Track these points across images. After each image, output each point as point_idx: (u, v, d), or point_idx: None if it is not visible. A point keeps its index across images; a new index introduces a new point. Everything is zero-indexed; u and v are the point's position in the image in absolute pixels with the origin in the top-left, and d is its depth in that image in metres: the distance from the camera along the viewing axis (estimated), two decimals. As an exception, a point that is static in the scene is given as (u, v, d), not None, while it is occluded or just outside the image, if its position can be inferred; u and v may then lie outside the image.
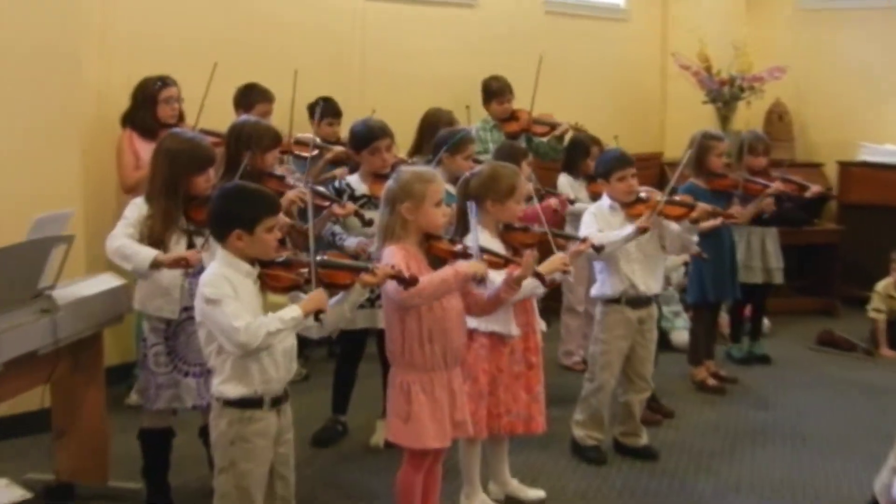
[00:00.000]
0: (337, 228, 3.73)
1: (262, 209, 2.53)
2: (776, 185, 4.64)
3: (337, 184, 3.83)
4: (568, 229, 4.45)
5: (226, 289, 2.44)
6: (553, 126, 5.22)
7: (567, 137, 5.13)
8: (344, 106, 5.02)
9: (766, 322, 5.50)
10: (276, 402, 2.58)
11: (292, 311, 2.48)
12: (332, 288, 2.59)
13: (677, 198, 3.77)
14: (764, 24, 6.89)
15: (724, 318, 5.33)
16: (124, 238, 3.03)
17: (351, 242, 3.66)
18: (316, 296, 2.50)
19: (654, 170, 6.27)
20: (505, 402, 3.18)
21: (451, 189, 3.32)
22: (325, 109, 4.82)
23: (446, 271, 2.70)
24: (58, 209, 3.19)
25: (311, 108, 4.83)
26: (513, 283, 2.87)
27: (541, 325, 3.35)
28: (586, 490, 3.54)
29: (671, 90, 7.02)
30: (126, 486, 3.34)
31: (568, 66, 6.22)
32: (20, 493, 2.72)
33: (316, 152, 4.32)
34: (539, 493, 3.42)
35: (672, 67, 6.76)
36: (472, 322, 3.05)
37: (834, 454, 3.92)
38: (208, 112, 4.11)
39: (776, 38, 6.85)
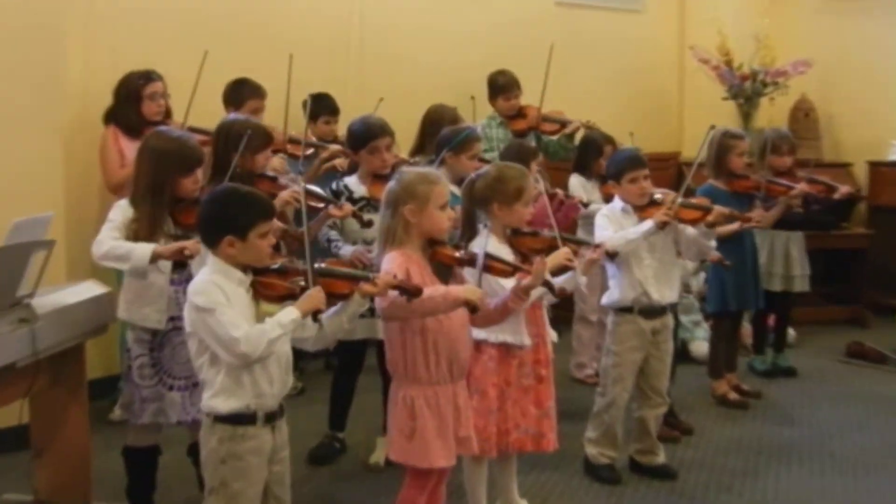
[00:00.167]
0: (333, 234, 3.74)
1: (256, 214, 2.53)
2: (801, 187, 4.64)
3: (334, 185, 3.84)
4: (580, 234, 4.45)
5: (219, 297, 2.44)
6: (563, 124, 5.23)
7: (578, 136, 5.14)
8: (342, 101, 5.03)
9: (791, 332, 5.50)
10: (271, 417, 2.58)
11: (290, 313, 2.48)
12: (330, 298, 2.59)
13: (693, 200, 3.78)
14: (788, 14, 6.88)
15: (746, 329, 5.33)
16: (112, 241, 3.04)
17: (347, 251, 3.67)
18: (314, 294, 2.51)
19: (672, 170, 6.28)
20: (513, 417, 3.18)
21: (456, 191, 3.32)
22: (321, 106, 4.84)
23: (437, 290, 2.70)
24: (37, 211, 3.19)
25: (306, 105, 4.84)
26: (521, 293, 2.86)
27: (551, 335, 3.35)
28: (600, 512, 3.54)
29: (689, 86, 7.02)
30: (109, 508, 3.34)
31: (579, 59, 6.23)
32: (-3, 514, 2.72)
33: (311, 151, 4.33)
34: (549, 516, 3.42)
35: (690, 61, 6.76)
36: (481, 333, 3.05)
37: (864, 474, 3.91)
38: (197, 108, 4.12)
39: (801, 29, 6.85)
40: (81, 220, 4.23)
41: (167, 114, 4.32)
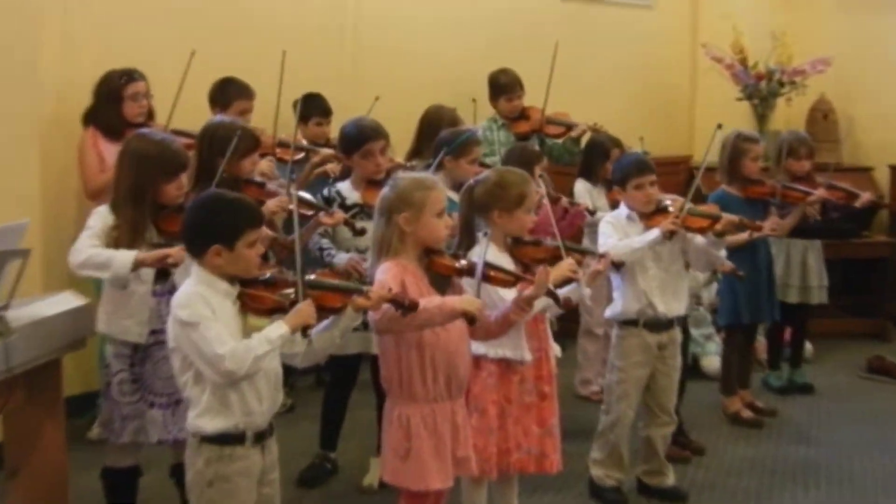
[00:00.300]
0: (325, 242, 3.75)
1: (244, 221, 2.54)
2: (819, 193, 4.65)
3: (326, 191, 3.85)
4: (586, 242, 4.47)
5: (203, 310, 2.45)
6: (569, 126, 5.25)
7: (585, 139, 5.15)
8: (335, 100, 5.04)
9: (808, 346, 5.51)
10: (260, 437, 2.59)
11: (278, 328, 2.48)
12: (321, 312, 2.60)
13: (700, 208, 3.79)
14: (806, 10, 6.89)
15: (760, 342, 5.34)
16: (91, 249, 3.05)
17: (341, 259, 3.67)
18: (303, 308, 2.51)
19: (682, 175, 6.28)
20: (514, 436, 3.18)
21: (455, 196, 3.33)
22: (312, 107, 4.85)
23: (432, 301, 2.71)
24: (11, 218, 3.20)
25: (296, 106, 4.86)
26: (523, 304, 2.87)
27: (555, 350, 3.36)
28: (606, 537, 3.55)
29: (701, 85, 7.03)
30: (87, 532, 3.35)
31: (586, 58, 6.25)
32: (-32, 538, 2.73)
33: (301, 155, 4.34)
34: (553, 540, 3.42)
35: (702, 60, 6.78)
36: (480, 347, 3.06)
37: (885, 498, 3.92)
38: (182, 109, 4.14)
39: (820, 25, 6.85)
40: (58, 227, 4.25)
41: (150, 115, 4.33)
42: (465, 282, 2.90)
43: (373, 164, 3.79)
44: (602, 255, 3.37)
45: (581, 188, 4.83)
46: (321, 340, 2.62)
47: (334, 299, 2.61)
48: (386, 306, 2.61)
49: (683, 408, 4.27)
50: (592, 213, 4.44)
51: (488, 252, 2.90)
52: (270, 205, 3.44)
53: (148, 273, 3.11)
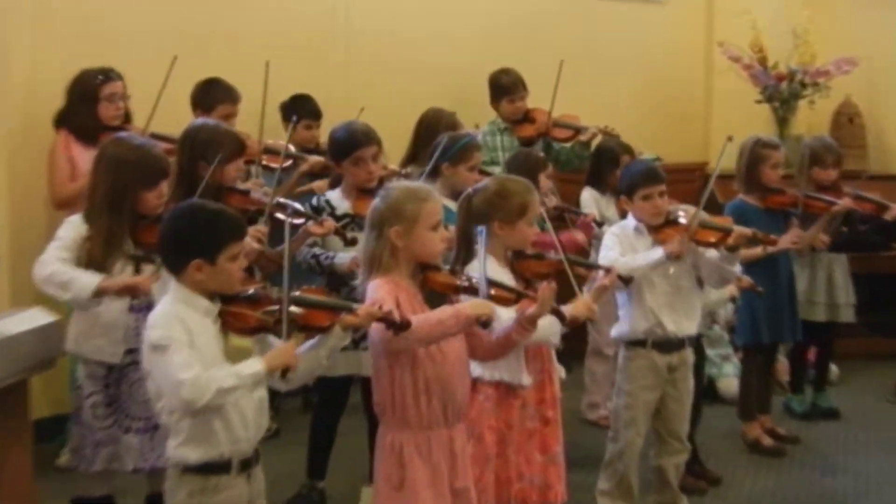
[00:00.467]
0: (317, 249, 3.75)
1: (226, 234, 2.55)
2: (843, 203, 4.67)
3: (314, 201, 3.86)
4: (594, 256, 4.47)
5: (176, 332, 2.44)
6: (577, 130, 5.26)
7: (594, 143, 5.16)
8: (325, 105, 5.07)
9: (833, 368, 5.52)
10: (246, 464, 2.59)
11: (254, 366, 2.47)
12: (307, 331, 2.61)
13: (711, 219, 3.78)
14: (831, 6, 6.91)
15: (782, 364, 5.35)
16: (57, 263, 3.06)
17: (342, 259, 3.67)
18: (285, 349, 2.51)
19: (697, 183, 6.29)
20: (516, 465, 3.19)
21: (453, 206, 3.35)
22: (302, 110, 4.87)
23: (445, 311, 2.71)
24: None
25: (285, 109, 4.88)
26: (526, 323, 2.87)
27: (559, 371, 3.37)
28: (615, 573, 3.56)
29: (718, 87, 7.05)
30: (56, 566, 3.35)
31: (594, 57, 6.27)
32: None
33: (289, 163, 4.36)
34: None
35: (719, 59, 6.79)
36: (477, 369, 3.07)
37: (916, 530, 3.94)
38: (161, 112, 4.15)
39: (845, 23, 6.88)
40: (28, 238, 4.24)
41: (126, 118, 4.34)
42: (464, 300, 2.88)
43: (364, 171, 3.80)
44: (608, 270, 3.38)
45: (588, 197, 4.84)
46: (307, 361, 2.62)
47: (321, 317, 2.62)
48: (377, 325, 2.62)
49: (699, 434, 4.28)
50: (600, 223, 4.45)
51: (487, 267, 2.90)
52: (250, 231, 3.38)
53: (124, 285, 3.12)
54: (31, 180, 4.42)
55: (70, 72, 4.32)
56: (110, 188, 3.14)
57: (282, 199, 3.63)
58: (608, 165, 4.81)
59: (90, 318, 3.14)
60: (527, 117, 5.35)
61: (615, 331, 3.82)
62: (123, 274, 3.10)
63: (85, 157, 4.00)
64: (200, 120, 3.98)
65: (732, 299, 4.18)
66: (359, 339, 3.48)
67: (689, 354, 3.81)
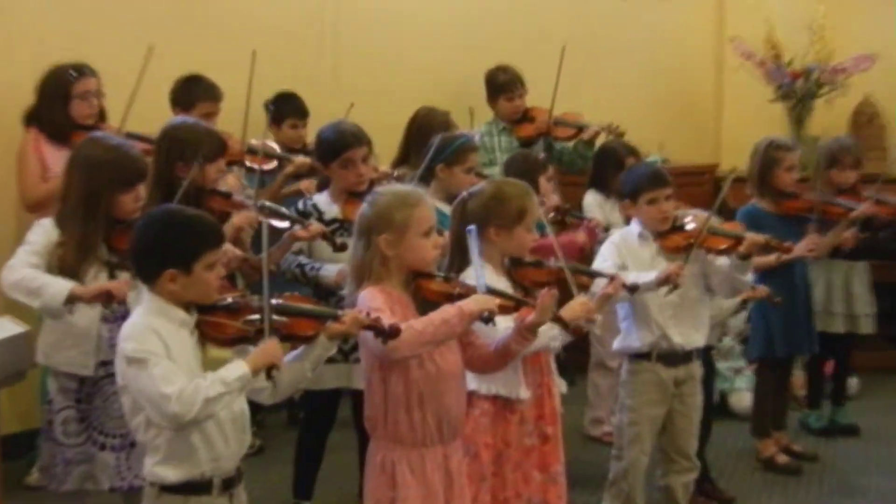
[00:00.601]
0: (303, 258, 3.76)
1: (202, 242, 2.55)
2: (863, 208, 4.68)
3: (301, 205, 3.86)
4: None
5: (153, 344, 2.44)
6: (580, 128, 5.27)
7: (599, 142, 5.16)
8: (311, 102, 5.07)
9: (853, 382, 5.52)
10: (228, 484, 2.59)
11: (237, 369, 2.47)
12: (291, 340, 2.61)
13: (721, 226, 3.77)
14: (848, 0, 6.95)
15: (798, 377, 5.35)
16: (27, 269, 3.06)
17: (328, 272, 3.67)
18: (268, 347, 2.51)
19: (707, 186, 6.31)
20: (513, 484, 3.19)
21: (448, 210, 3.34)
22: (287, 108, 4.88)
23: (448, 311, 2.70)
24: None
25: (268, 108, 4.88)
26: (526, 331, 2.87)
27: (560, 385, 3.37)
28: None
29: (730, 85, 7.07)
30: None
31: (598, 54, 6.29)
32: None
33: (274, 164, 4.37)
34: None
35: (731, 56, 6.81)
36: (472, 382, 3.06)
37: (939, 554, 3.94)
38: (138, 110, 4.15)
39: (864, 17, 6.88)
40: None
41: (101, 116, 4.34)
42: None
43: (354, 174, 3.80)
44: (612, 278, 3.36)
45: (591, 201, 4.82)
46: (290, 373, 2.62)
47: (305, 326, 2.62)
48: (366, 333, 2.61)
49: (710, 452, 4.28)
50: (606, 228, 4.45)
51: (485, 274, 2.89)
52: (236, 220, 3.45)
53: (97, 295, 3.12)
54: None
55: (40, 67, 4.31)
56: (84, 191, 3.15)
57: (267, 203, 3.64)
58: (612, 168, 4.72)
59: (61, 328, 3.14)
60: (526, 116, 5.37)
61: (618, 343, 3.82)
62: (97, 280, 3.10)
63: (56, 158, 4.00)
64: (179, 118, 3.98)
65: (744, 302, 4.16)
66: (349, 351, 3.52)
67: (696, 368, 3.80)
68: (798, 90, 6.59)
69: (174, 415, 2.39)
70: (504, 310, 2.93)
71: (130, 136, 3.97)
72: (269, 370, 2.50)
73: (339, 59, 5.58)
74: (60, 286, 3.01)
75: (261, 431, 4.76)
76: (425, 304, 2.82)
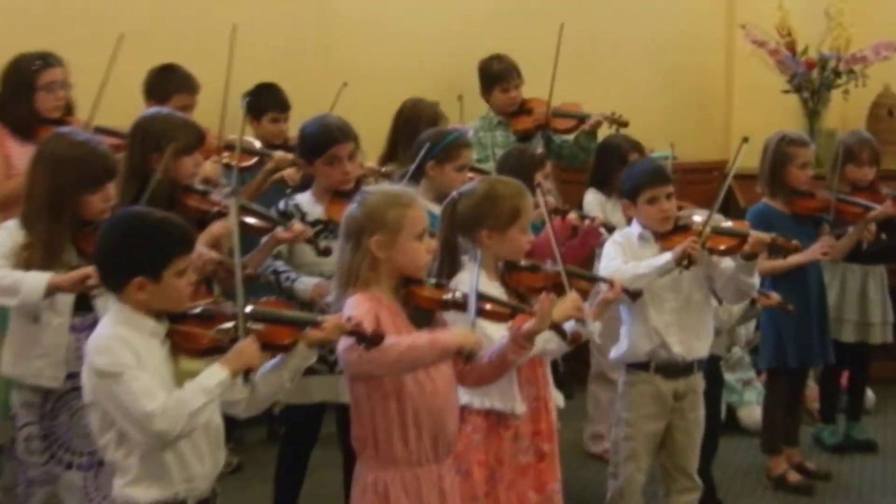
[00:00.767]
0: (280, 264, 3.76)
1: (172, 247, 2.56)
2: (883, 207, 4.69)
3: (282, 205, 3.86)
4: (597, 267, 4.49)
5: (125, 356, 2.45)
6: (580, 118, 5.28)
7: (601, 133, 5.17)
8: (298, 91, 5.07)
9: (869, 395, 5.55)
10: (203, 505, 2.60)
11: (216, 374, 2.49)
12: (268, 349, 2.62)
13: (725, 224, 3.79)
14: (867, -16, 6.97)
15: (811, 390, 5.36)
16: None
17: (304, 284, 3.67)
18: (244, 347, 2.53)
19: (716, 184, 6.32)
20: (507, 503, 3.20)
21: (438, 210, 3.35)
22: (267, 100, 4.89)
23: (420, 338, 2.71)
24: None
25: (248, 100, 4.89)
26: (522, 340, 2.88)
27: (557, 399, 3.39)
28: None
29: (740, 75, 7.07)
30: None
31: (599, 43, 6.31)
32: None
33: (253, 161, 4.38)
34: None
35: (741, 44, 6.81)
36: (463, 396, 3.06)
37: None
38: (108, 102, 4.16)
39: (884, 2, 6.91)
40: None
41: (68, 109, 4.34)
42: (451, 317, 2.90)
43: (339, 171, 3.81)
44: (612, 282, 3.38)
45: (592, 200, 4.84)
46: (267, 384, 2.63)
47: (283, 334, 2.63)
48: (347, 340, 2.62)
49: (717, 469, 4.30)
50: (610, 229, 4.45)
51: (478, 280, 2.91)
52: (215, 229, 3.42)
53: (64, 303, 3.13)
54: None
55: (2, 57, 4.31)
56: (49, 191, 3.15)
57: (245, 202, 3.64)
58: (614, 164, 4.71)
59: (27, 336, 3.14)
60: (523, 108, 5.38)
61: (615, 352, 3.83)
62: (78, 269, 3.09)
63: (21, 154, 4.01)
64: (154, 109, 3.99)
65: (752, 302, 4.17)
66: (335, 362, 3.49)
67: (698, 380, 3.81)
68: (813, 81, 6.58)
69: (160, 432, 2.41)
70: (500, 318, 2.96)
71: (99, 130, 3.99)
72: (247, 372, 2.52)
73: (325, 48, 5.58)
74: (37, 278, 3.02)
75: (239, 448, 4.76)
76: (417, 312, 2.84)
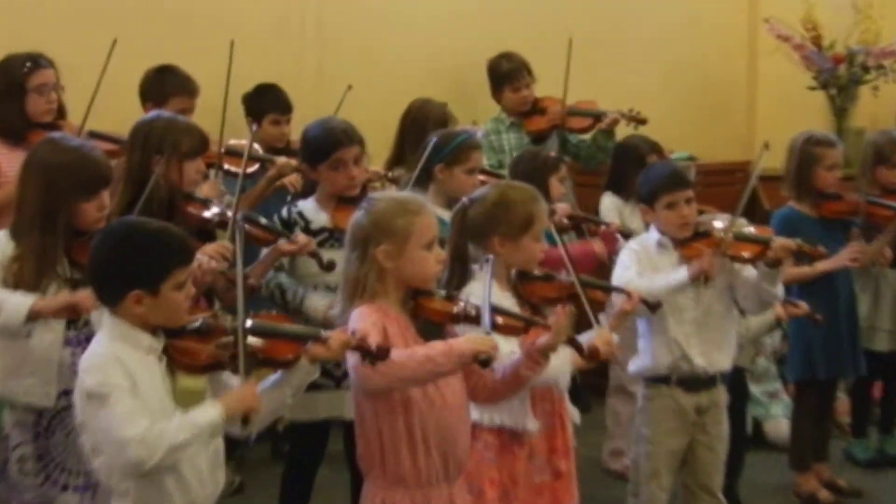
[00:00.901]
0: (284, 279, 3.75)
1: (171, 259, 2.56)
2: (916, 210, 4.70)
3: (284, 213, 3.86)
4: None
5: (116, 377, 2.44)
6: (597, 117, 5.28)
7: (619, 132, 5.18)
8: (296, 98, 5.08)
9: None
10: (204, 529, 2.62)
11: (210, 413, 2.48)
12: (269, 365, 2.63)
13: (747, 229, 3.78)
14: (897, -25, 6.97)
15: (842, 402, 5.36)
16: None
17: (317, 303, 3.64)
18: (245, 391, 2.52)
19: (740, 186, 6.32)
20: (522, 525, 3.22)
21: (448, 217, 3.35)
22: (267, 102, 4.90)
23: (435, 347, 2.70)
24: None
25: (248, 102, 4.91)
26: (537, 356, 2.86)
27: (573, 415, 3.39)
28: None
29: (764, 72, 7.09)
30: None
31: (615, 38, 6.32)
32: None
33: (255, 167, 4.39)
34: None
35: (765, 39, 6.83)
36: (474, 413, 3.06)
37: None
38: (102, 106, 4.18)
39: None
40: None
41: (60, 113, 4.36)
42: (462, 330, 2.88)
43: (344, 176, 3.80)
44: (630, 293, 3.38)
45: (609, 204, 4.85)
46: (269, 401, 2.62)
47: (285, 349, 2.63)
48: (356, 357, 2.61)
49: (743, 487, 4.30)
50: (627, 235, 4.46)
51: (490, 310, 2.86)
52: (209, 249, 3.36)
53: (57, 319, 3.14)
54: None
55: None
56: (41, 199, 3.15)
57: (248, 214, 3.64)
58: (632, 167, 4.68)
59: (18, 353, 3.15)
60: (536, 108, 5.38)
61: (634, 365, 3.83)
62: (61, 293, 3.11)
63: (11, 160, 4.03)
64: (154, 112, 3.98)
65: (778, 322, 4.17)
66: (341, 377, 3.50)
67: (721, 393, 3.81)
68: (841, 76, 6.60)
69: (133, 461, 2.40)
70: (514, 331, 2.94)
71: (93, 135, 4.00)
72: (246, 417, 2.51)
73: (326, 48, 5.60)
74: (19, 302, 3.02)
75: (240, 467, 4.76)
76: (426, 325, 2.84)
